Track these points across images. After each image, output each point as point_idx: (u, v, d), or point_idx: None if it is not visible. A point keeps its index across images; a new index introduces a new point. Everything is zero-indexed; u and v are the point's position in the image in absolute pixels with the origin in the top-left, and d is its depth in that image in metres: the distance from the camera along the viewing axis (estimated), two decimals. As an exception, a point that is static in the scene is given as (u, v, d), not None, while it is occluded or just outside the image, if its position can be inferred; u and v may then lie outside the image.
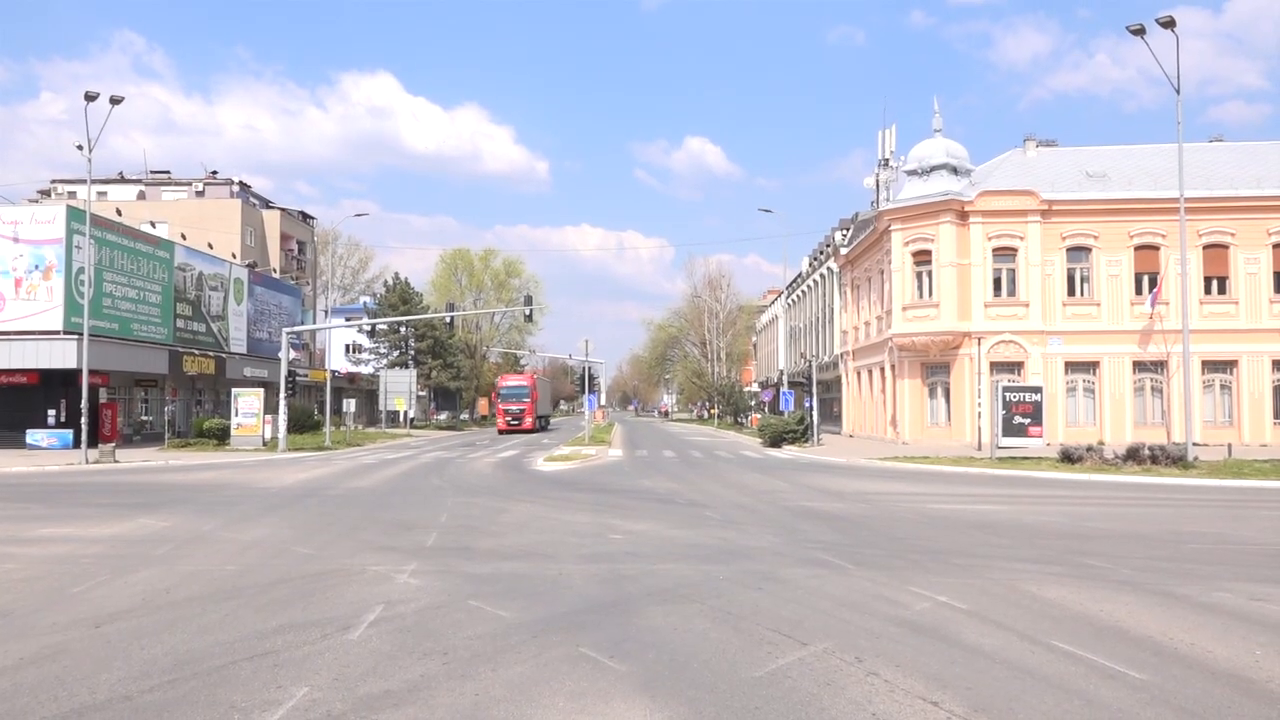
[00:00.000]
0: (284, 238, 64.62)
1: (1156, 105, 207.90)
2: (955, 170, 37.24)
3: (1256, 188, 35.83)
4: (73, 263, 33.82)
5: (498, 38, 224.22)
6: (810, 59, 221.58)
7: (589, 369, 57.45)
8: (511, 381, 60.77)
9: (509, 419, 56.87)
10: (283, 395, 35.23)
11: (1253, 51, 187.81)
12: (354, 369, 67.90)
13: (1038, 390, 28.47)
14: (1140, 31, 24.24)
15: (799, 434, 38.49)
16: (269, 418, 36.17)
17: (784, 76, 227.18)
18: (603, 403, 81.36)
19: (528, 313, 48.51)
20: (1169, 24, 23.84)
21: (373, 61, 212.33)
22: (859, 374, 46.27)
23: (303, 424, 44.57)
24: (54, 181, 65.25)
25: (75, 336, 31.99)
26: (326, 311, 67.78)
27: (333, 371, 52.97)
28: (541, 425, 63.47)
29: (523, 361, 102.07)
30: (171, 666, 6.21)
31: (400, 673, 6.04)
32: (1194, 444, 25.73)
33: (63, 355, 33.09)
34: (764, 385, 72.77)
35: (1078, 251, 36.36)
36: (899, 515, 14.95)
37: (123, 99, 28.67)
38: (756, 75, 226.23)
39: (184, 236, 47.64)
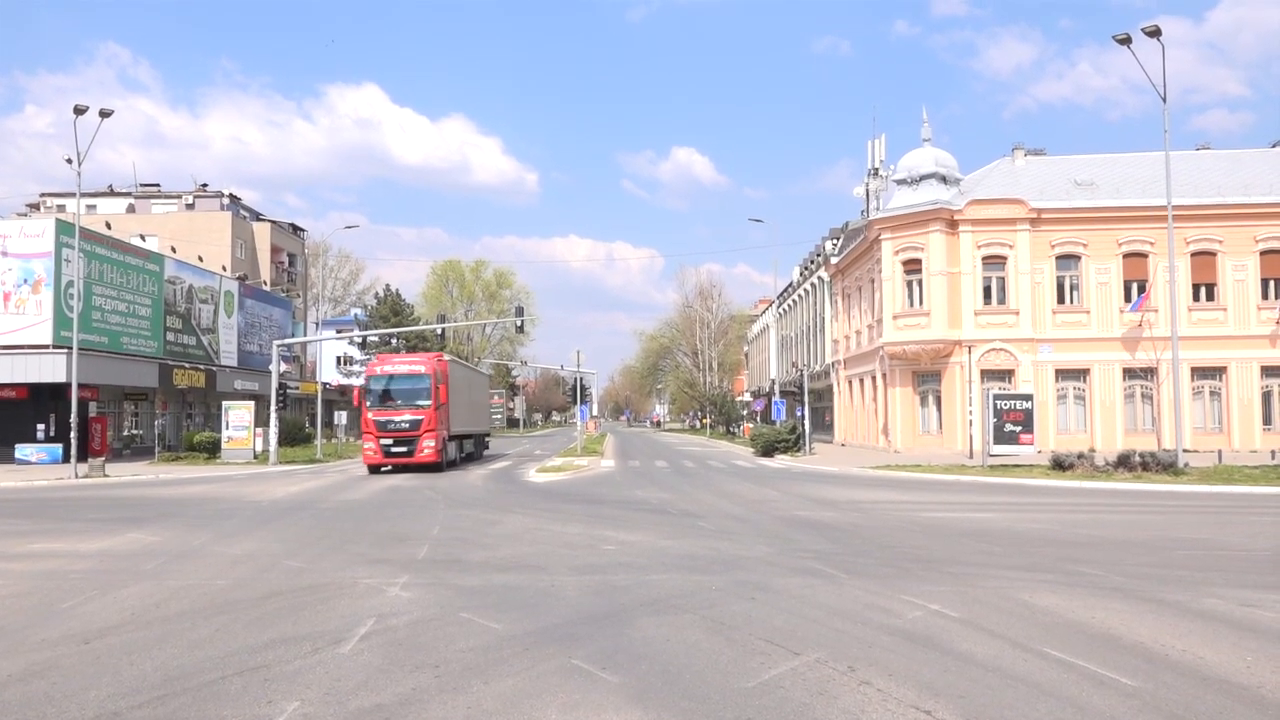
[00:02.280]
0: (274, 250, 64.48)
1: (1140, 114, 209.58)
2: (944, 179, 37.41)
3: (1243, 195, 36.06)
4: (62, 276, 33.70)
5: (483, 49, 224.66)
6: (796, 69, 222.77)
7: (581, 380, 57.46)
8: (394, 367, 30.33)
9: (386, 441, 28.71)
10: (274, 408, 35.11)
11: (1234, 61, 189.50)
12: (345, 381, 67.68)
13: (1028, 398, 28.55)
14: (1126, 41, 24.42)
15: (791, 443, 38.53)
16: (260, 431, 36.04)
17: (770, 87, 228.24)
18: (594, 413, 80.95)
19: (519, 324, 48.52)
20: (1154, 33, 24.02)
21: (358, 73, 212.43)
22: (850, 383, 46.34)
23: (294, 437, 44.43)
24: (43, 195, 65.03)
25: (64, 350, 31.84)
26: (317, 324, 67.69)
27: (324, 384, 52.80)
28: (463, 452, 34.37)
29: (514, 373, 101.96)
30: (161, 682, 6.17)
31: (392, 686, 6.01)
32: (1184, 450, 25.86)
33: (52, 369, 32.94)
34: (756, 395, 72.86)
35: (1067, 259, 36.53)
36: (891, 524, 14.96)
37: (112, 112, 28.65)
38: (743, 86, 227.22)
39: (174, 249, 47.54)
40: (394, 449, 28.48)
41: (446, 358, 31.09)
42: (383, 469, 29.15)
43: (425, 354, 33.61)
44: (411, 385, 29.01)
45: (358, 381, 62.87)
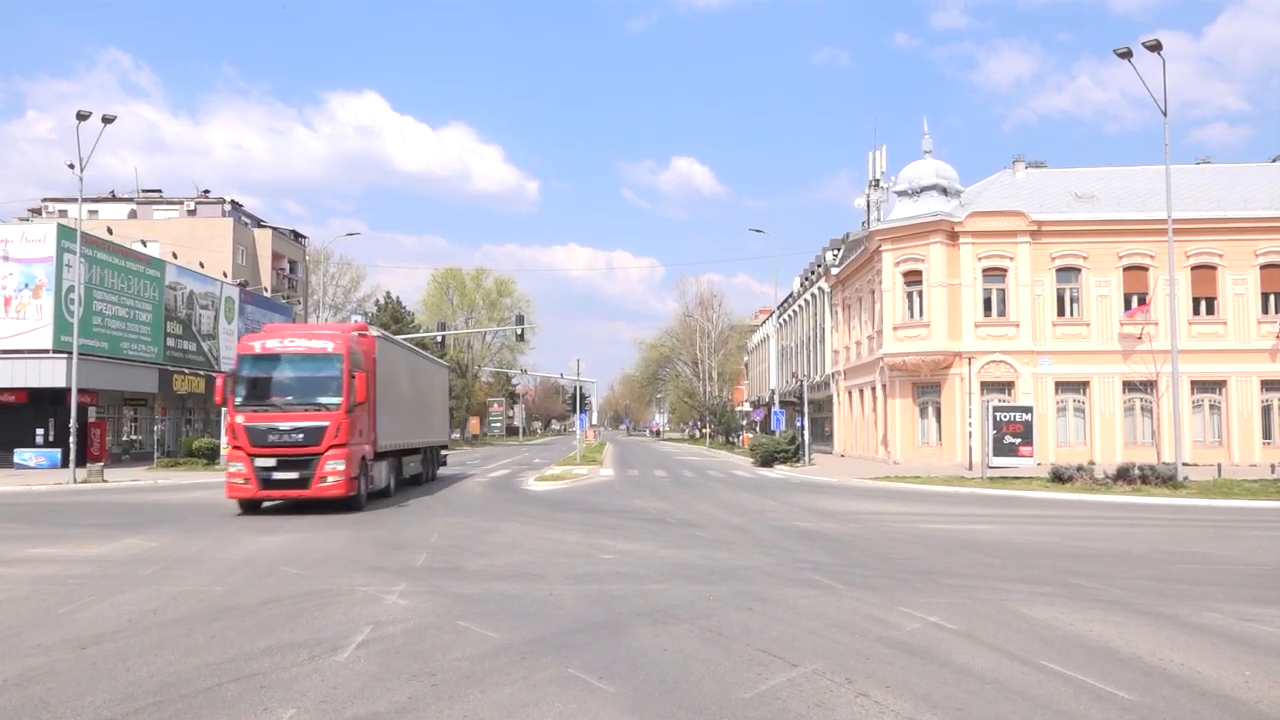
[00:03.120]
0: (275, 256, 64.62)
1: (1139, 127, 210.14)
2: (945, 191, 37.46)
3: (1244, 209, 36.11)
4: (63, 281, 33.73)
5: (483, 58, 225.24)
6: (796, 80, 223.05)
7: (580, 388, 57.42)
8: (284, 342, 19.49)
9: (265, 463, 18.09)
10: (273, 414, 34.98)
11: (1233, 75, 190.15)
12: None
13: (1028, 410, 28.54)
14: (1127, 55, 24.50)
15: (790, 453, 38.48)
16: (259, 437, 35.90)
17: (770, 97, 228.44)
18: (594, 422, 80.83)
19: (519, 332, 48.54)
20: (1155, 47, 24.09)
21: (359, 81, 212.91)
22: (850, 393, 46.33)
23: (293, 443, 44.22)
24: (45, 200, 65.21)
25: (64, 355, 31.86)
26: (318, 330, 67.70)
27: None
28: (402, 474, 24.25)
29: (514, 381, 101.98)
30: (157, 689, 6.16)
31: (388, 695, 6.00)
32: (1184, 464, 25.84)
33: (52, 374, 32.94)
34: (756, 405, 72.85)
35: (1067, 272, 36.56)
36: (890, 535, 14.95)
37: (114, 118, 28.71)
38: (743, 96, 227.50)
39: (175, 255, 47.59)
40: (277, 475, 18.00)
41: (374, 332, 21.38)
42: (263, 505, 19.11)
43: (337, 324, 23.45)
44: (310, 372, 18.71)
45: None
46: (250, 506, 18.78)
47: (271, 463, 17.98)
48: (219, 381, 19.48)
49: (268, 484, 18.12)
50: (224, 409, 18.98)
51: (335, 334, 19.70)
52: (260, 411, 18.29)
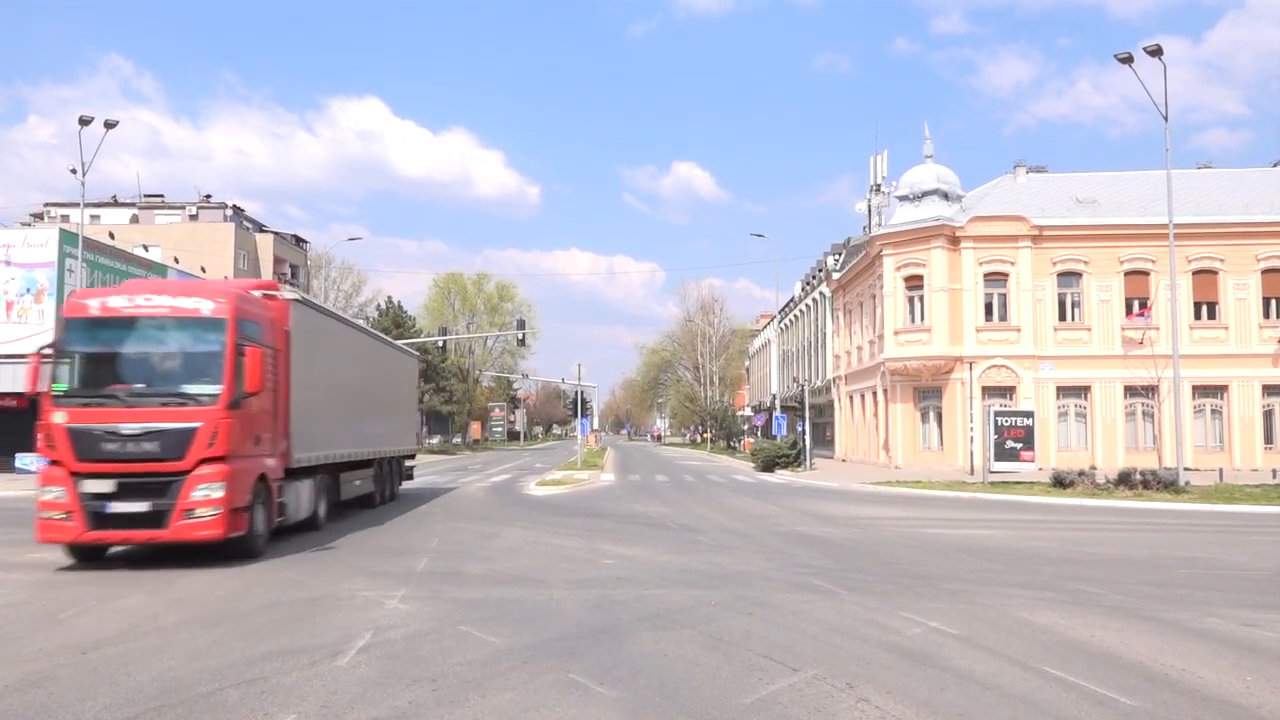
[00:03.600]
0: (277, 261, 64.64)
1: (1140, 132, 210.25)
2: (946, 196, 37.48)
3: (1244, 214, 36.11)
4: (65, 286, 33.74)
5: (484, 63, 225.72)
6: (797, 85, 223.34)
7: (581, 393, 57.36)
8: (137, 302, 12.45)
9: (96, 489, 11.44)
10: (274, 419, 34.85)
11: (1233, 80, 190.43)
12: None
13: (1029, 415, 28.52)
14: (1128, 60, 24.52)
15: (791, 458, 38.48)
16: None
17: (771, 102, 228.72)
18: (595, 427, 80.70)
19: (520, 336, 48.51)
20: (1156, 52, 24.10)
21: (360, 86, 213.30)
22: (851, 398, 46.31)
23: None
24: (47, 205, 65.28)
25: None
26: (319, 335, 67.58)
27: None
28: (336, 497, 17.23)
29: (515, 385, 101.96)
30: (158, 694, 6.16)
31: (389, 700, 6.00)
32: (1185, 469, 25.79)
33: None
34: (757, 409, 72.83)
35: (1068, 277, 36.56)
36: (891, 540, 14.93)
37: (117, 123, 28.81)
38: (744, 101, 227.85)
39: (177, 260, 47.63)
40: (115, 507, 11.60)
41: (287, 294, 14.79)
42: (107, 552, 12.82)
43: (223, 281, 19.70)
44: (173, 346, 12.44)
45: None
46: (82, 553, 12.31)
47: (107, 487, 11.58)
48: (31, 361, 12.76)
49: (100, 520, 11.57)
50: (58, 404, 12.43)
51: (218, 291, 12.95)
52: (93, 406, 12.04)
